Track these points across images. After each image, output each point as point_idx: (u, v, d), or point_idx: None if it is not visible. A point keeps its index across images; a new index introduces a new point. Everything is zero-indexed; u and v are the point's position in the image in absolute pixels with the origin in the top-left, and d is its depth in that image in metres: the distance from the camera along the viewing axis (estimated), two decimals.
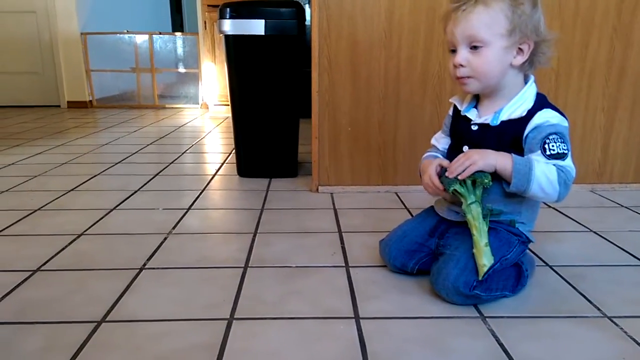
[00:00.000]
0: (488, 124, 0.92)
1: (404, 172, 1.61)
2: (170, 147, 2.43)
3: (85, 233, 1.25)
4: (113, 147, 2.39)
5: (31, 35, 3.89)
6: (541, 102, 0.90)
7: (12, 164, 2.00)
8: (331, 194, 1.61)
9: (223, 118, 3.43)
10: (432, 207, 1.06)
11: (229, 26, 1.69)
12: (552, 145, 0.85)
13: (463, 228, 0.94)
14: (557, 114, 0.89)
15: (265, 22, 1.68)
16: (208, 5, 3.30)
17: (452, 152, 1.00)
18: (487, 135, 0.92)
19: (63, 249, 1.15)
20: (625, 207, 1.47)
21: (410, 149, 1.59)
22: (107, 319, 0.85)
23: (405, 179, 1.61)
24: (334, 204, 1.51)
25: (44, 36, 3.87)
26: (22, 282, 0.98)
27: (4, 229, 1.27)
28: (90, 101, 4.00)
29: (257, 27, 1.69)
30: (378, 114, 1.58)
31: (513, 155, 0.87)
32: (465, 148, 0.95)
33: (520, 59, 0.88)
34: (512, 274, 0.93)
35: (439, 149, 1.06)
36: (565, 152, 0.86)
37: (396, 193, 1.61)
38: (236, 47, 1.73)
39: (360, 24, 1.51)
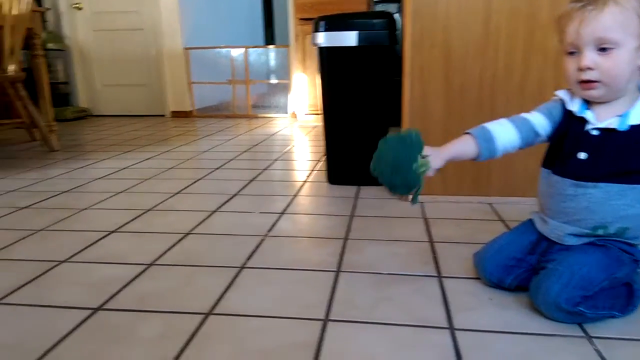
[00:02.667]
0: (614, 129, 0.84)
1: (499, 183, 1.56)
2: (262, 154, 2.55)
3: (191, 232, 1.36)
4: (212, 154, 2.56)
5: (140, 51, 4.27)
6: None
7: (126, 167, 2.22)
8: (421, 203, 1.61)
9: (312, 127, 3.53)
10: (530, 220, 1.02)
11: (323, 38, 1.75)
12: None
13: (569, 246, 0.90)
14: None
15: (358, 33, 1.72)
16: (300, 19, 3.43)
17: (559, 159, 0.91)
18: (612, 141, 0.84)
19: (173, 246, 1.26)
20: None
21: (506, 159, 1.53)
22: (213, 312, 0.92)
23: (500, 190, 1.56)
24: (424, 213, 1.50)
25: (151, 51, 4.24)
26: (139, 274, 1.09)
27: (122, 226, 1.41)
28: (191, 111, 4.30)
29: (349, 38, 1.73)
30: (472, 123, 1.53)
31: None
32: (582, 155, 0.87)
33: None
34: (622, 294, 0.87)
35: (532, 126, 0.95)
36: None
37: (490, 204, 1.56)
38: (329, 58, 1.79)
39: (454, 32, 1.50)
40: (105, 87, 4.40)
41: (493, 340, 0.82)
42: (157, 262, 1.15)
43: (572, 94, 0.91)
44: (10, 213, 1.55)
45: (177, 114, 4.28)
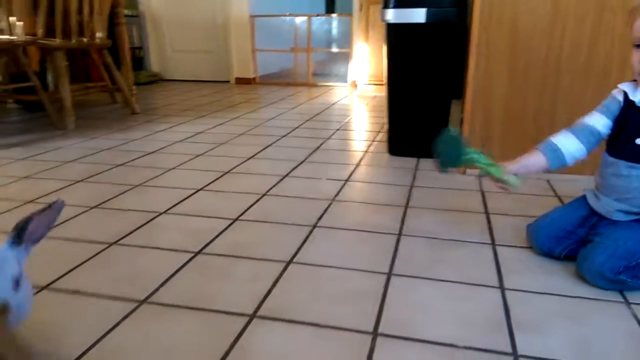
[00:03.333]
0: None
1: None
2: (324, 123, 2.68)
3: (267, 194, 1.52)
4: (277, 122, 2.71)
5: (209, 18, 4.45)
6: None
7: (201, 132, 2.42)
8: (479, 176, 1.69)
9: (371, 97, 3.61)
10: (583, 196, 1.10)
11: (392, 15, 1.83)
12: None
13: (616, 222, 0.98)
14: None
15: (427, 10, 1.78)
16: None
17: (617, 143, 0.99)
18: None
19: (252, 204, 1.43)
20: None
21: None
22: (293, 261, 1.08)
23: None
24: (481, 186, 1.59)
25: (218, 19, 4.41)
26: (228, 227, 1.27)
27: (206, 185, 1.60)
28: (254, 78, 4.47)
29: (418, 15, 1.80)
30: (534, 102, 1.61)
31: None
32: (639, 140, 0.94)
33: None
34: None
35: (591, 129, 1.03)
36: None
37: (548, 181, 1.63)
38: (397, 34, 1.87)
39: (522, 10, 1.54)
40: (174, 52, 4.64)
41: (538, 300, 0.93)
42: (241, 218, 1.33)
43: (637, 85, 0.98)
44: (111, 169, 1.78)
45: (241, 81, 4.47)
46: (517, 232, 1.21)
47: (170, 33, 4.59)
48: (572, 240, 1.05)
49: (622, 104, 1.00)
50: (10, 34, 2.27)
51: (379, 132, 2.44)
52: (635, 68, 0.93)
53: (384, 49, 1.99)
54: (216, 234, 1.22)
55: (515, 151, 1.69)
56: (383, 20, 1.88)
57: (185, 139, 2.27)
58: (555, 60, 1.55)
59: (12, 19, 2.26)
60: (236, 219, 1.31)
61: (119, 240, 1.18)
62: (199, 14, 4.46)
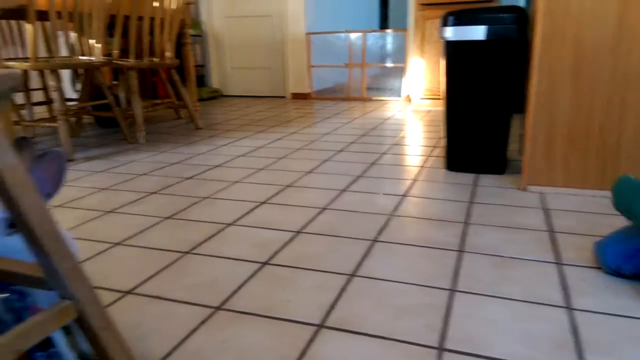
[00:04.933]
0: None
1: None
2: (379, 138, 2.71)
3: (326, 208, 1.57)
4: (333, 137, 2.77)
5: (267, 36, 4.62)
6: None
7: (261, 147, 2.51)
8: (541, 193, 1.67)
9: (425, 111, 3.60)
10: None
11: (451, 32, 1.85)
12: None
13: None
14: None
15: (487, 27, 1.79)
16: (421, 4, 3.49)
17: None
18: None
19: (313, 218, 1.48)
20: None
21: (636, 155, 1.54)
22: (356, 274, 1.12)
23: None
24: (544, 203, 1.57)
25: (276, 37, 4.56)
26: (291, 239, 1.32)
27: (269, 198, 1.67)
28: (309, 93, 4.57)
29: (477, 32, 1.81)
30: (600, 117, 1.57)
31: None
32: None
33: None
34: None
35: None
36: None
37: None
38: (455, 51, 1.88)
39: (586, 26, 1.52)
40: (234, 69, 4.84)
41: (608, 321, 0.92)
42: (303, 231, 1.38)
43: None
44: (180, 182, 1.89)
45: (296, 96, 4.58)
46: (583, 251, 1.19)
47: (231, 51, 4.79)
48: None
49: None
50: (90, 55, 2.47)
51: (434, 147, 2.44)
52: None
53: (442, 64, 2.00)
54: (281, 245, 1.28)
55: (578, 168, 1.66)
56: (442, 37, 1.90)
57: (247, 153, 2.36)
58: (623, 76, 1.51)
59: (91, 41, 2.46)
60: (299, 232, 1.37)
61: (192, 249, 1.27)
62: (258, 33, 4.63)
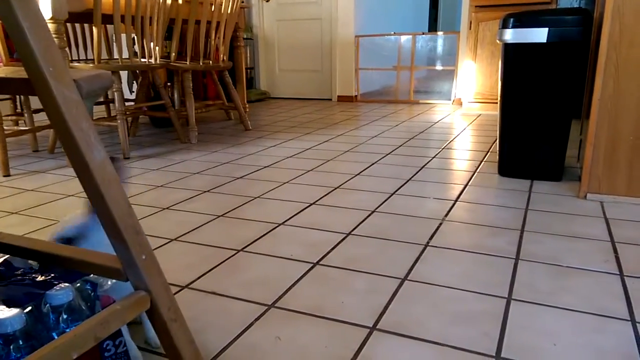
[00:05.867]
0: None
1: None
2: (429, 142, 2.68)
3: (376, 210, 1.57)
4: (381, 140, 2.76)
5: (316, 39, 4.65)
6: None
7: (310, 148, 2.53)
8: (601, 202, 1.60)
9: (475, 115, 3.53)
10: None
11: (510, 35, 1.80)
12: None
13: None
14: None
15: (549, 30, 1.73)
16: (476, 6, 3.42)
17: None
18: None
19: (363, 220, 1.48)
20: None
21: None
22: (408, 278, 1.11)
23: None
24: (604, 212, 1.50)
25: (325, 39, 4.59)
26: (342, 240, 1.33)
27: (318, 199, 1.68)
28: (356, 96, 4.57)
29: (539, 35, 1.76)
30: None
31: None
32: None
33: None
34: None
35: None
36: None
37: None
38: (515, 53, 1.83)
39: None
40: (282, 72, 4.90)
41: None
42: (354, 233, 1.38)
43: None
44: (232, 181, 1.93)
45: (342, 98, 4.59)
46: None
47: (279, 53, 4.86)
48: None
49: None
50: (148, 58, 2.57)
51: (487, 151, 2.38)
52: None
53: (500, 67, 1.95)
54: (332, 246, 1.28)
55: None
56: (500, 40, 1.86)
57: (295, 154, 2.39)
58: None
59: (150, 44, 2.56)
60: (349, 233, 1.37)
61: (245, 247, 1.29)
62: (308, 36, 4.68)
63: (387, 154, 2.37)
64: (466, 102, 3.73)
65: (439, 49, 4.42)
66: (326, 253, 1.24)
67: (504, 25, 1.82)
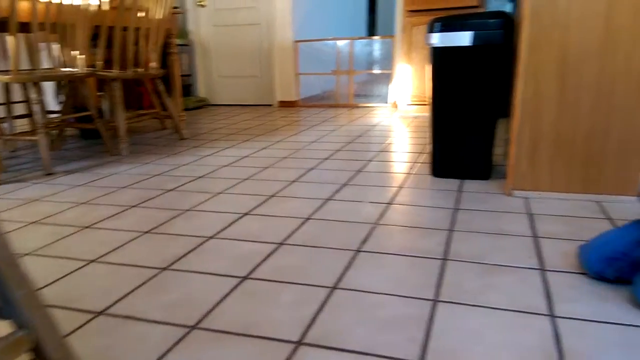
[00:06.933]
0: None
1: (612, 182, 1.56)
2: (366, 145, 2.70)
3: (310, 218, 1.55)
4: (319, 145, 2.75)
5: (254, 44, 4.60)
6: None
7: (247, 156, 2.49)
8: (526, 198, 1.65)
9: (412, 118, 3.60)
10: (639, 220, 1.06)
11: (437, 39, 1.84)
12: None
13: None
14: None
15: (473, 33, 1.78)
16: (409, 11, 3.49)
17: None
18: None
19: (297, 228, 1.45)
20: None
21: (622, 158, 1.53)
22: (337, 287, 1.09)
23: (612, 189, 1.56)
24: (528, 208, 1.55)
25: (264, 44, 4.55)
26: (273, 251, 1.29)
27: (252, 209, 1.64)
28: (297, 101, 4.56)
29: (464, 38, 1.80)
30: (586, 123, 1.56)
31: None
32: None
33: None
34: None
35: None
36: None
37: (600, 203, 1.57)
38: (442, 57, 1.87)
39: (573, 33, 1.51)
40: (221, 78, 4.81)
41: (591, 328, 0.90)
42: (286, 242, 1.35)
43: None
44: (162, 194, 1.85)
45: (284, 104, 4.56)
46: (567, 256, 1.17)
47: (217, 60, 4.77)
48: (626, 262, 1.01)
49: None
50: (73, 67, 2.43)
51: (421, 153, 2.43)
52: None
53: (428, 70, 1.99)
54: (262, 258, 1.25)
55: (563, 173, 1.65)
56: (428, 44, 1.89)
57: (231, 163, 2.34)
58: (609, 81, 1.51)
59: (74, 52, 2.42)
60: (281, 243, 1.34)
61: (170, 265, 1.23)
62: (246, 41, 4.62)
63: (325, 159, 2.36)
64: (403, 105, 3.80)
65: (377, 53, 4.49)
66: (256, 266, 1.21)
67: (431, 30, 1.85)
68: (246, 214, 1.60)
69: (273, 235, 1.40)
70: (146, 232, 1.46)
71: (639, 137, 1.48)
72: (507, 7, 3.34)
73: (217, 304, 1.03)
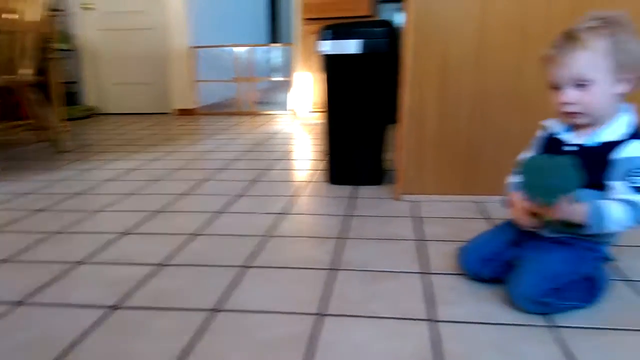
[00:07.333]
0: (585, 145, 0.96)
1: (488, 183, 1.64)
2: (266, 153, 2.64)
3: (198, 233, 1.45)
4: (217, 154, 2.65)
5: (148, 50, 4.36)
6: (637, 131, 0.93)
7: (135, 168, 2.32)
8: (414, 202, 1.69)
9: (313, 125, 3.61)
10: (512, 219, 1.11)
11: (328, 46, 1.84)
12: (638, 179, 0.88)
13: (541, 242, 0.99)
14: None
15: (360, 41, 1.80)
16: (305, 19, 3.50)
17: None
18: (582, 155, 0.93)
19: (180, 247, 1.35)
20: None
21: (497, 162, 1.61)
22: (220, 309, 1.02)
23: (488, 190, 1.64)
24: (416, 212, 1.59)
25: (158, 50, 4.32)
26: (151, 274, 1.19)
27: (133, 228, 1.51)
28: (196, 109, 4.39)
29: (352, 46, 1.82)
30: (465, 128, 1.64)
31: (586, 206, 0.90)
32: None
33: (625, 88, 0.92)
34: (586, 286, 0.97)
35: None
36: None
37: (479, 203, 1.65)
38: (333, 64, 1.87)
39: (451, 42, 1.57)
40: (113, 85, 4.50)
41: (469, 330, 0.91)
42: (167, 263, 1.25)
43: (560, 119, 1.03)
44: (29, 216, 1.65)
45: (182, 112, 4.37)
46: (450, 258, 1.20)
47: (109, 66, 4.45)
48: (500, 262, 1.05)
49: (546, 138, 1.06)
50: None
51: (320, 160, 2.42)
52: (557, 108, 0.97)
53: (323, 78, 1.98)
54: (137, 283, 1.14)
55: (447, 176, 1.71)
56: (319, 51, 1.89)
57: (116, 177, 2.16)
58: (484, 87, 1.59)
59: None
60: (161, 265, 1.24)
61: (26, 299, 1.08)
62: (139, 47, 4.36)
63: (221, 169, 2.27)
64: (304, 112, 3.80)
65: (277, 60, 4.47)
66: (130, 292, 1.09)
67: (322, 37, 1.85)
68: (125, 233, 1.46)
69: (153, 256, 1.29)
70: (2, 261, 1.28)
71: (512, 142, 1.57)
72: (398, 18, 3.48)
73: (79, 341, 0.91)
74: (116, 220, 1.59)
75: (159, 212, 1.67)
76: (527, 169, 0.95)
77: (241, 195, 1.84)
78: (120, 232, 1.47)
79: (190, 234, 1.44)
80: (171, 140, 3.09)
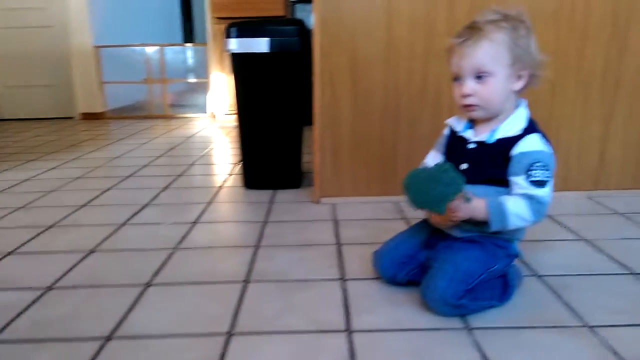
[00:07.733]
0: (484, 142, 0.97)
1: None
2: (179, 158, 2.50)
3: (96, 250, 1.31)
4: (125, 160, 2.46)
5: (47, 50, 3.99)
6: (532, 126, 0.95)
7: (28, 179, 2.08)
8: (333, 205, 1.66)
9: (232, 127, 3.49)
10: (424, 220, 1.10)
11: (235, 45, 1.75)
12: (537, 173, 0.90)
13: (452, 242, 0.98)
14: (544, 141, 0.93)
15: (270, 40, 1.73)
16: (217, 18, 3.37)
17: None
18: (483, 152, 0.96)
19: (74, 266, 1.21)
20: (620, 214, 1.49)
21: (410, 159, 1.62)
22: (114, 336, 0.90)
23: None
24: (334, 215, 1.55)
25: (58, 50, 3.97)
26: (35, 300, 1.04)
27: (19, 247, 1.34)
28: (104, 112, 4.09)
29: (261, 45, 1.74)
30: (378, 125, 1.63)
31: (487, 203, 0.91)
32: (464, 166, 0.98)
33: (520, 84, 0.94)
34: (499, 285, 0.97)
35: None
36: (547, 180, 0.90)
37: (396, 203, 1.64)
38: (242, 64, 1.79)
39: (360, 39, 1.55)
40: (7, 88, 4.07)
41: (386, 339, 0.88)
42: (56, 286, 1.10)
43: (461, 116, 1.04)
44: None
45: (88, 116, 4.06)
46: (366, 262, 1.16)
47: (2, 67, 4.02)
48: (414, 265, 1.03)
49: (449, 136, 1.06)
50: None
51: (236, 164, 2.32)
52: (457, 101, 0.97)
53: (233, 79, 1.89)
54: (17, 312, 0.99)
55: (363, 176, 1.69)
56: (227, 50, 1.79)
57: (5, 189, 1.93)
58: (394, 84, 1.58)
59: None
60: (49, 288, 1.09)
61: None
62: (36, 46, 3.97)
63: (128, 177, 2.10)
64: (221, 115, 3.67)
65: (192, 61, 4.28)
66: (7, 323, 0.95)
67: (228, 35, 1.76)
68: (9, 253, 1.29)
69: (40, 279, 1.13)
70: None
71: (423, 138, 1.58)
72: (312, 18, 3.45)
73: None
74: (0, 238, 1.40)
75: (51, 227, 1.49)
76: (406, 187, 0.96)
77: (149, 205, 1.70)
78: (3, 253, 1.29)
79: (87, 251, 1.30)
80: (74, 146, 2.84)
